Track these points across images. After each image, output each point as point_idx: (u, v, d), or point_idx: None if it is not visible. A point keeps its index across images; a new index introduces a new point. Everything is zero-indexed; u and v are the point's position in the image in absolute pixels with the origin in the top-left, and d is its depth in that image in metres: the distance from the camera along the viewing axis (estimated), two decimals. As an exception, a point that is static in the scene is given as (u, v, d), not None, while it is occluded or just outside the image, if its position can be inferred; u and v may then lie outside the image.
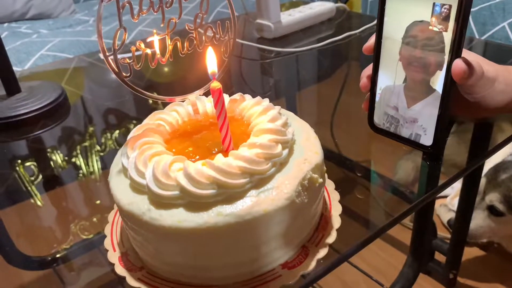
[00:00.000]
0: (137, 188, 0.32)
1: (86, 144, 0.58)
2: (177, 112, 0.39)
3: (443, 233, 1.12)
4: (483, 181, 0.99)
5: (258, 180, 0.31)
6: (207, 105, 0.40)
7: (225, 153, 0.33)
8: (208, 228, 0.29)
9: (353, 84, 0.74)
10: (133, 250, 0.36)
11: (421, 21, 0.40)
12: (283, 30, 0.87)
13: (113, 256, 0.35)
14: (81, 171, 0.53)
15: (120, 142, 0.58)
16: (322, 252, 0.34)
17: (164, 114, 0.38)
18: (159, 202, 0.30)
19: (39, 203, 0.50)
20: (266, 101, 0.38)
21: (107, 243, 0.37)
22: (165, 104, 0.39)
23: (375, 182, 0.50)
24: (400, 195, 0.48)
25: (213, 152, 0.34)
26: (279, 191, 0.31)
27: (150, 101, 0.67)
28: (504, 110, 0.46)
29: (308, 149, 0.35)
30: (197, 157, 0.33)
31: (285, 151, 0.33)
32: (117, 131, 0.61)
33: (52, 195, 0.52)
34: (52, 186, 0.53)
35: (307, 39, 0.88)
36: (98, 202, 0.49)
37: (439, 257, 0.94)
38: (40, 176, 0.54)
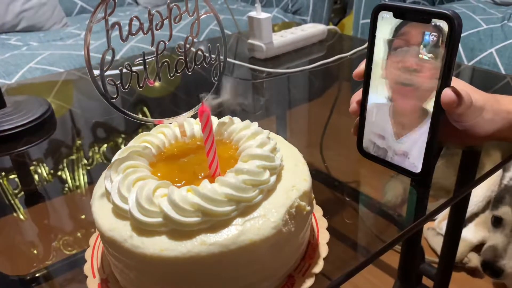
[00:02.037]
0: (120, 213, 0.31)
1: (71, 159, 0.56)
2: (164, 134, 0.38)
3: (431, 257, 1.11)
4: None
5: (244, 208, 0.30)
6: (195, 127, 0.39)
7: (212, 178, 0.33)
8: (191, 258, 0.28)
9: (342, 106, 0.74)
10: (113, 277, 0.34)
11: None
12: (274, 51, 0.88)
13: (93, 283, 0.34)
14: (65, 187, 0.52)
15: (108, 157, 0.57)
16: (309, 282, 0.33)
17: (151, 136, 0.37)
18: (142, 229, 0.29)
19: (21, 218, 0.49)
20: (255, 125, 0.38)
21: (87, 268, 0.36)
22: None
23: (364, 205, 0.50)
24: (389, 219, 0.47)
25: (199, 177, 0.34)
26: (266, 219, 0.30)
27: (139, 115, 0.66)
28: (492, 138, 0.46)
29: (296, 175, 0.34)
30: (183, 182, 0.33)
31: (273, 178, 0.32)
32: (105, 145, 0.60)
33: (34, 211, 0.50)
34: (34, 202, 0.52)
35: (298, 60, 0.89)
36: (83, 216, 0.47)
37: (427, 281, 0.93)
38: (22, 192, 0.52)
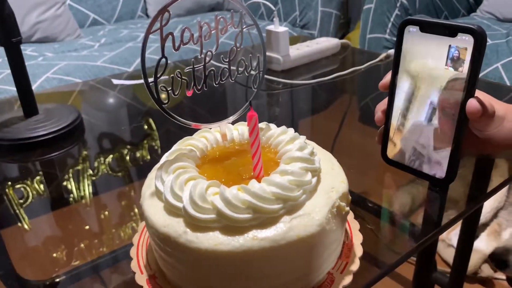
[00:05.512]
0: (173, 211, 0.33)
1: (101, 166, 0.58)
2: (206, 138, 0.40)
3: (443, 268, 1.12)
4: None
5: (291, 206, 0.32)
6: (234, 132, 0.41)
7: (257, 179, 0.35)
8: (244, 252, 0.30)
9: (357, 117, 0.76)
10: (161, 273, 0.36)
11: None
12: (291, 63, 0.90)
13: (141, 279, 0.36)
14: (93, 193, 0.54)
15: (130, 163, 0.59)
16: (348, 279, 0.35)
17: (194, 140, 0.40)
18: (195, 225, 0.31)
19: (45, 222, 0.50)
20: (291, 130, 0.40)
21: (133, 265, 0.37)
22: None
23: (377, 215, 0.50)
24: (403, 229, 0.49)
25: (244, 177, 0.36)
26: (311, 217, 0.32)
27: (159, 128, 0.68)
28: (511, 147, 0.48)
29: (334, 177, 0.36)
30: (230, 182, 0.35)
31: (314, 179, 0.34)
32: (123, 154, 0.62)
33: (60, 216, 0.52)
34: (62, 206, 0.53)
35: (314, 73, 0.92)
36: (87, 227, 0.49)
37: (439, 291, 0.95)
38: (52, 196, 0.54)
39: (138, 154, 0.61)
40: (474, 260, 1.07)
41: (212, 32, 0.37)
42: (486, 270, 1.09)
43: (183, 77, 0.36)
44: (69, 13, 1.73)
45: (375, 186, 0.55)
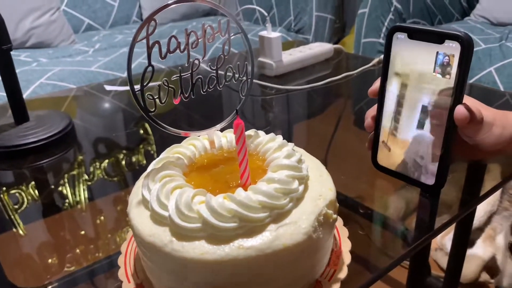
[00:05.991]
0: (159, 219, 0.32)
1: (93, 172, 0.58)
2: (194, 146, 0.40)
3: (437, 272, 1.12)
4: None
5: (277, 215, 0.32)
6: (222, 140, 0.41)
7: (243, 187, 0.35)
8: (230, 261, 0.30)
9: (350, 122, 0.76)
10: (148, 281, 0.36)
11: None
12: (284, 69, 0.91)
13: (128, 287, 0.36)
14: (84, 200, 0.53)
15: (125, 169, 0.59)
16: (335, 287, 0.35)
17: (182, 147, 0.39)
18: (181, 234, 0.31)
19: (36, 229, 0.50)
20: (279, 138, 0.40)
21: (121, 274, 0.37)
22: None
23: (370, 220, 0.51)
24: (396, 233, 0.49)
25: (231, 186, 0.36)
26: (297, 226, 0.32)
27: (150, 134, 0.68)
28: (501, 152, 0.49)
29: (321, 185, 0.36)
30: (217, 190, 0.35)
31: (301, 187, 0.34)
32: (111, 159, 0.62)
33: (51, 223, 0.52)
34: (53, 213, 0.53)
35: (306, 78, 0.92)
36: (77, 234, 0.48)
37: (433, 295, 0.95)
38: (43, 203, 0.54)
39: (130, 161, 0.61)
40: (473, 267, 1.07)
41: (200, 40, 0.37)
42: (483, 275, 1.09)
43: (170, 85, 0.36)
44: (64, 18, 1.73)
45: (369, 191, 0.56)
